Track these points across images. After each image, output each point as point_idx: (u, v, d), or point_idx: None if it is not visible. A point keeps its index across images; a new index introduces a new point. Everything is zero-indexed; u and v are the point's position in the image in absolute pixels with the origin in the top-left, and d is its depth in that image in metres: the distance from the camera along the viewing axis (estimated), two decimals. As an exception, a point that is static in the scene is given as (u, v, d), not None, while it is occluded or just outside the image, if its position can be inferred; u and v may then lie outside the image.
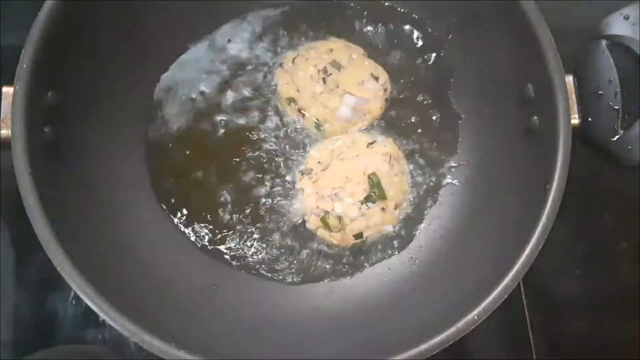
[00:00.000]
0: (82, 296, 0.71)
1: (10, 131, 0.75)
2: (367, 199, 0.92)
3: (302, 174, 0.95)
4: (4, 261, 0.98)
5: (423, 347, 0.73)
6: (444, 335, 0.73)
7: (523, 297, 1.00)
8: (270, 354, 0.81)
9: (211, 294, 0.89)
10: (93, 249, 0.79)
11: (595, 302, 1.04)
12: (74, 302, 0.97)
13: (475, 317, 0.73)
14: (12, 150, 0.74)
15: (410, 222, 0.95)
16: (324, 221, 0.91)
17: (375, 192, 0.92)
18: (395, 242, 0.94)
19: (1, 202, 0.98)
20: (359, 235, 0.92)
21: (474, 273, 0.83)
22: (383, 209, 0.93)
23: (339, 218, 0.91)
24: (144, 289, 0.83)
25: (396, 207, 0.94)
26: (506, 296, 0.75)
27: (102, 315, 0.71)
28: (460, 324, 0.73)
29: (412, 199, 0.96)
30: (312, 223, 0.93)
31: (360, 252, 0.93)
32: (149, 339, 0.71)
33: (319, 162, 0.94)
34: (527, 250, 0.76)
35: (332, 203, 0.92)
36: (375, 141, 0.96)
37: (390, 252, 0.94)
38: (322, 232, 0.93)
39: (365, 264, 0.93)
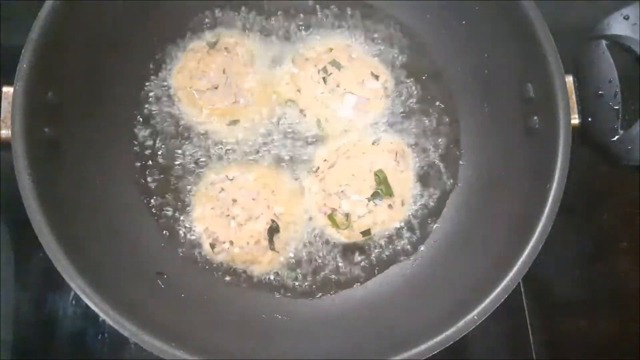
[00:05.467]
0: (82, 296, 0.72)
1: (10, 131, 0.75)
2: (374, 196, 0.92)
3: (308, 173, 0.95)
4: (4, 261, 0.98)
5: (423, 347, 0.73)
6: (444, 335, 0.73)
7: (523, 297, 1.00)
8: (269, 354, 0.81)
9: (211, 295, 0.89)
10: (93, 249, 0.79)
11: (595, 302, 1.04)
12: (74, 302, 0.97)
13: (475, 317, 0.74)
14: (12, 150, 0.74)
15: (413, 223, 0.95)
16: (332, 218, 0.92)
17: (382, 189, 0.92)
18: (403, 242, 0.95)
19: (1, 202, 0.98)
20: (366, 232, 0.92)
21: (474, 273, 0.83)
22: (390, 205, 0.93)
23: (347, 215, 0.91)
24: (144, 289, 0.83)
25: (403, 203, 0.94)
26: (506, 296, 0.75)
27: (102, 315, 0.71)
28: (460, 324, 0.73)
29: (415, 198, 0.96)
30: (320, 221, 0.93)
31: (368, 257, 0.94)
32: (149, 339, 0.71)
33: (325, 160, 0.95)
34: (527, 250, 0.76)
35: (339, 200, 0.92)
36: (380, 138, 0.96)
37: (400, 252, 0.94)
38: (329, 230, 0.93)
39: (376, 270, 0.93)
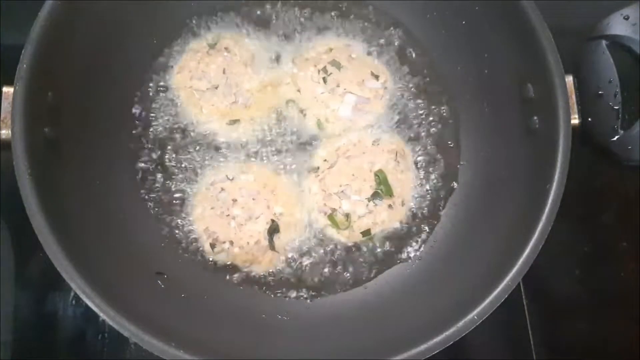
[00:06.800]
0: (82, 296, 0.71)
1: (10, 131, 0.75)
2: (374, 196, 0.92)
3: (308, 173, 0.95)
4: (4, 261, 0.98)
5: (423, 347, 0.73)
6: (444, 335, 0.73)
7: (523, 297, 1.00)
8: (269, 354, 0.81)
9: (212, 295, 0.89)
10: (93, 249, 0.79)
11: (595, 302, 1.04)
12: (74, 302, 0.97)
13: (475, 317, 0.74)
14: (12, 150, 0.74)
15: (413, 223, 0.95)
16: (332, 219, 0.92)
17: (382, 189, 0.92)
18: (403, 243, 0.95)
19: (1, 202, 0.98)
20: (366, 232, 0.92)
21: (474, 273, 0.83)
22: (390, 205, 0.93)
23: (347, 215, 0.91)
24: (144, 289, 0.83)
25: (403, 203, 0.94)
26: (506, 296, 0.75)
27: (102, 315, 0.71)
28: (460, 324, 0.73)
29: (415, 198, 0.96)
30: (320, 221, 0.93)
31: (368, 257, 0.94)
32: (149, 339, 0.71)
33: (325, 160, 0.95)
34: (527, 250, 0.76)
35: (339, 200, 0.92)
36: (380, 138, 0.96)
37: (400, 253, 0.94)
38: (329, 230, 0.93)
39: (375, 271, 0.93)
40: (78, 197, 0.82)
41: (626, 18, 0.88)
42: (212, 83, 0.96)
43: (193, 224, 0.92)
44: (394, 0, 1.02)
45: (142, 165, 0.95)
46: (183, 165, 0.95)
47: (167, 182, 0.94)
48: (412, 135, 0.98)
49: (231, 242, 0.90)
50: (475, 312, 0.74)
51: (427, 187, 0.97)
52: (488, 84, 0.95)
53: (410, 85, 1.00)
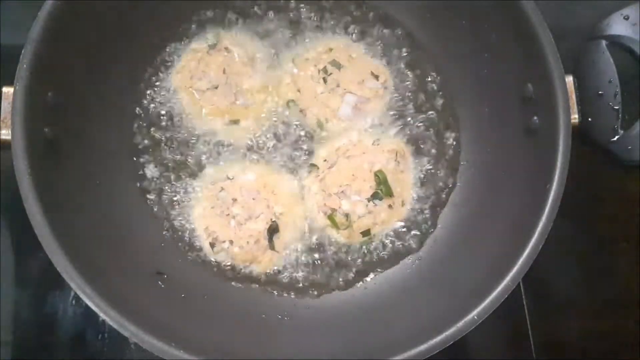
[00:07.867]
0: (82, 296, 0.72)
1: (10, 131, 0.75)
2: (374, 196, 0.92)
3: (308, 173, 0.95)
4: (4, 261, 0.98)
5: (423, 347, 0.73)
6: (444, 335, 0.73)
7: (523, 297, 1.00)
8: (269, 354, 0.81)
9: (211, 295, 0.89)
10: (93, 249, 0.79)
11: (595, 302, 1.04)
12: (74, 302, 0.97)
13: (475, 317, 0.74)
14: (12, 150, 0.74)
15: (413, 223, 0.95)
16: (332, 219, 0.92)
17: (382, 189, 0.92)
18: (403, 243, 0.95)
19: (1, 202, 0.98)
20: (366, 233, 0.92)
21: (474, 273, 0.83)
22: (390, 206, 0.93)
23: (347, 215, 0.92)
24: (144, 289, 0.83)
25: (403, 203, 0.94)
26: (506, 296, 0.75)
27: (102, 315, 0.72)
28: (460, 324, 0.73)
29: (415, 198, 0.96)
30: (320, 221, 0.93)
31: (368, 257, 0.94)
32: (149, 339, 0.71)
33: (325, 160, 0.95)
34: (527, 250, 0.76)
35: (339, 201, 0.92)
36: (380, 138, 0.96)
37: (400, 253, 0.94)
38: (329, 230, 0.93)
39: (376, 270, 0.93)
40: (78, 197, 0.82)
41: (626, 18, 0.88)
42: (212, 83, 0.96)
43: (193, 223, 0.93)
44: (395, 0, 1.02)
45: (143, 164, 0.95)
46: (183, 165, 0.95)
47: (167, 181, 0.94)
48: (412, 135, 0.98)
49: (231, 242, 0.90)
50: (475, 312, 0.74)
51: (427, 187, 0.97)
52: (488, 84, 0.95)
53: (410, 84, 1.00)
